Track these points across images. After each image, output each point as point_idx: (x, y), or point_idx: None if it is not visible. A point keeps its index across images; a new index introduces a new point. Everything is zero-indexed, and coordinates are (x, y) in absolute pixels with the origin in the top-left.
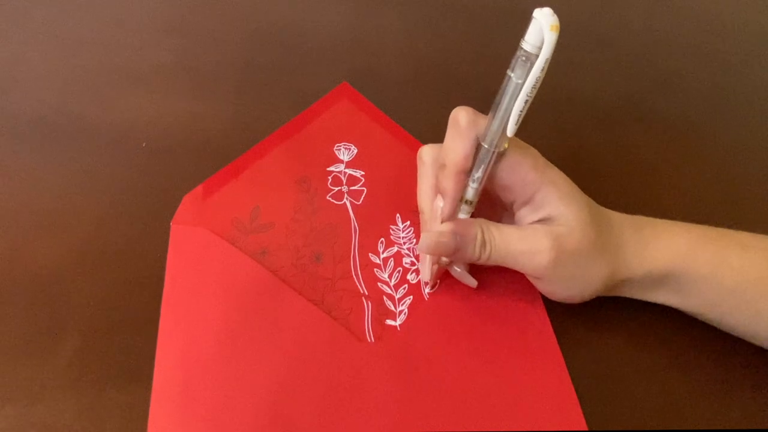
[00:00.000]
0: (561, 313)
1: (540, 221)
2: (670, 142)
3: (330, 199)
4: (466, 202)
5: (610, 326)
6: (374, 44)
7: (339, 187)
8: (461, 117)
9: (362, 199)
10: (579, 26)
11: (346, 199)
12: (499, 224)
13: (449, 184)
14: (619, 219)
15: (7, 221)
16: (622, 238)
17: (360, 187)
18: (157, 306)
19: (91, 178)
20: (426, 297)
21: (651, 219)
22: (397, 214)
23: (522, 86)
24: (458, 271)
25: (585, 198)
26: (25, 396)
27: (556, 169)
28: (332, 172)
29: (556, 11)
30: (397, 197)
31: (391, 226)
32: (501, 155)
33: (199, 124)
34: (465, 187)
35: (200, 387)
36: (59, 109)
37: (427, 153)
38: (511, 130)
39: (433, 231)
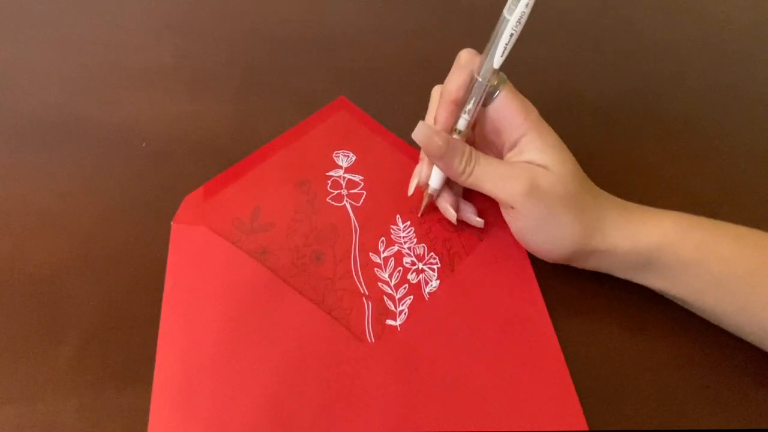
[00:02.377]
0: (562, 312)
1: (527, 162)
2: (671, 142)
3: (330, 201)
4: (457, 131)
5: (610, 326)
6: (374, 45)
7: (338, 191)
8: (462, 55)
9: (362, 201)
10: (579, 26)
11: (346, 201)
12: (497, 160)
13: (442, 112)
14: (606, 196)
15: (7, 221)
16: (605, 210)
17: (359, 190)
18: (157, 306)
19: (91, 178)
20: (426, 297)
21: (643, 206)
22: (398, 215)
23: (509, 21)
24: (444, 205)
25: (572, 160)
26: (25, 396)
27: (548, 126)
28: (331, 176)
29: (557, 13)
30: (396, 200)
31: (392, 226)
32: (492, 93)
33: (199, 124)
34: (457, 118)
35: (201, 386)
36: (59, 109)
37: (435, 89)
38: (496, 62)
39: (431, 126)
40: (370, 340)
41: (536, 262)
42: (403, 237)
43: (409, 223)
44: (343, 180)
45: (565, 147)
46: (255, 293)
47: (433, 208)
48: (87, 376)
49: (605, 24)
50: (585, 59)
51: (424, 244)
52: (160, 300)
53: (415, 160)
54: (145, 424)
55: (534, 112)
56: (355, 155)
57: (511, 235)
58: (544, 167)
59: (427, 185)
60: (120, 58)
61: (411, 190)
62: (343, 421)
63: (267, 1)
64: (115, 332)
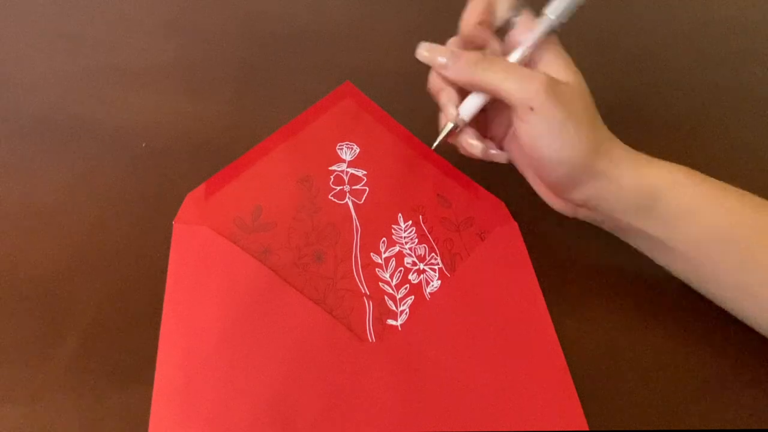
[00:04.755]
0: (562, 312)
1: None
2: (670, 142)
3: (332, 198)
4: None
5: (611, 326)
6: (376, 43)
7: (341, 187)
8: None
9: (364, 198)
10: (579, 27)
11: (348, 198)
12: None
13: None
14: (614, 137)
15: (7, 221)
16: (615, 142)
17: (362, 186)
18: (157, 306)
19: (91, 178)
20: (427, 297)
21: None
22: (399, 214)
23: None
24: (468, 140)
25: (586, 88)
26: (25, 396)
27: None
28: (334, 171)
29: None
30: (399, 197)
31: (393, 226)
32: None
33: (199, 124)
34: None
35: (201, 386)
36: (59, 109)
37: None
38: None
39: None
40: (371, 340)
41: (536, 262)
42: (405, 237)
43: (410, 222)
44: (346, 175)
45: (579, 72)
46: (256, 293)
47: (429, 207)
48: (87, 376)
49: (606, 25)
50: (585, 59)
51: (425, 245)
52: (161, 300)
53: (421, 154)
54: (146, 424)
55: (554, 36)
56: (360, 147)
57: (511, 235)
58: (564, 78)
59: (455, 114)
60: (120, 58)
61: (452, 115)
62: (343, 421)
63: (267, 1)
64: (115, 332)
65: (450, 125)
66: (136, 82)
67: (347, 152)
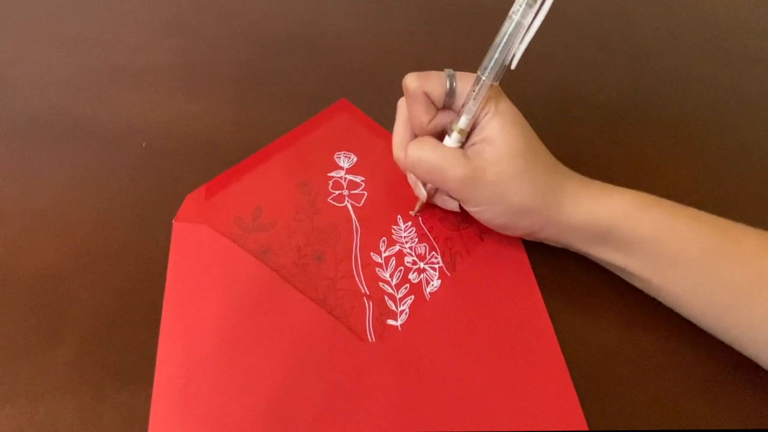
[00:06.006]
0: (562, 312)
1: (479, 141)
2: (671, 142)
3: (331, 201)
4: (460, 131)
5: (611, 326)
6: (374, 46)
7: (340, 191)
8: (408, 82)
9: (363, 201)
10: (580, 27)
11: (347, 201)
12: (441, 144)
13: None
14: (565, 171)
15: (7, 221)
16: (561, 184)
17: (360, 191)
18: (157, 306)
19: (91, 178)
20: (427, 297)
21: (604, 183)
22: (399, 216)
23: (530, 26)
24: (443, 197)
25: (529, 135)
26: (25, 396)
27: (510, 102)
28: (333, 177)
29: (558, 13)
30: (398, 201)
31: (393, 226)
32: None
33: (199, 124)
34: (456, 118)
35: (201, 386)
36: (59, 109)
37: (401, 103)
38: (515, 63)
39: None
40: (371, 340)
41: (535, 261)
42: (405, 237)
43: (410, 223)
44: (345, 180)
45: (525, 123)
46: (256, 292)
47: (429, 206)
48: (87, 376)
49: (607, 24)
50: (587, 59)
51: (425, 244)
52: (161, 300)
53: None
54: (145, 424)
55: (497, 92)
56: (357, 156)
57: (510, 235)
58: (496, 148)
59: (424, 189)
60: (120, 58)
61: (423, 194)
62: (343, 421)
63: (267, 1)
64: (115, 332)
65: (423, 199)
66: (136, 82)
67: (345, 160)
